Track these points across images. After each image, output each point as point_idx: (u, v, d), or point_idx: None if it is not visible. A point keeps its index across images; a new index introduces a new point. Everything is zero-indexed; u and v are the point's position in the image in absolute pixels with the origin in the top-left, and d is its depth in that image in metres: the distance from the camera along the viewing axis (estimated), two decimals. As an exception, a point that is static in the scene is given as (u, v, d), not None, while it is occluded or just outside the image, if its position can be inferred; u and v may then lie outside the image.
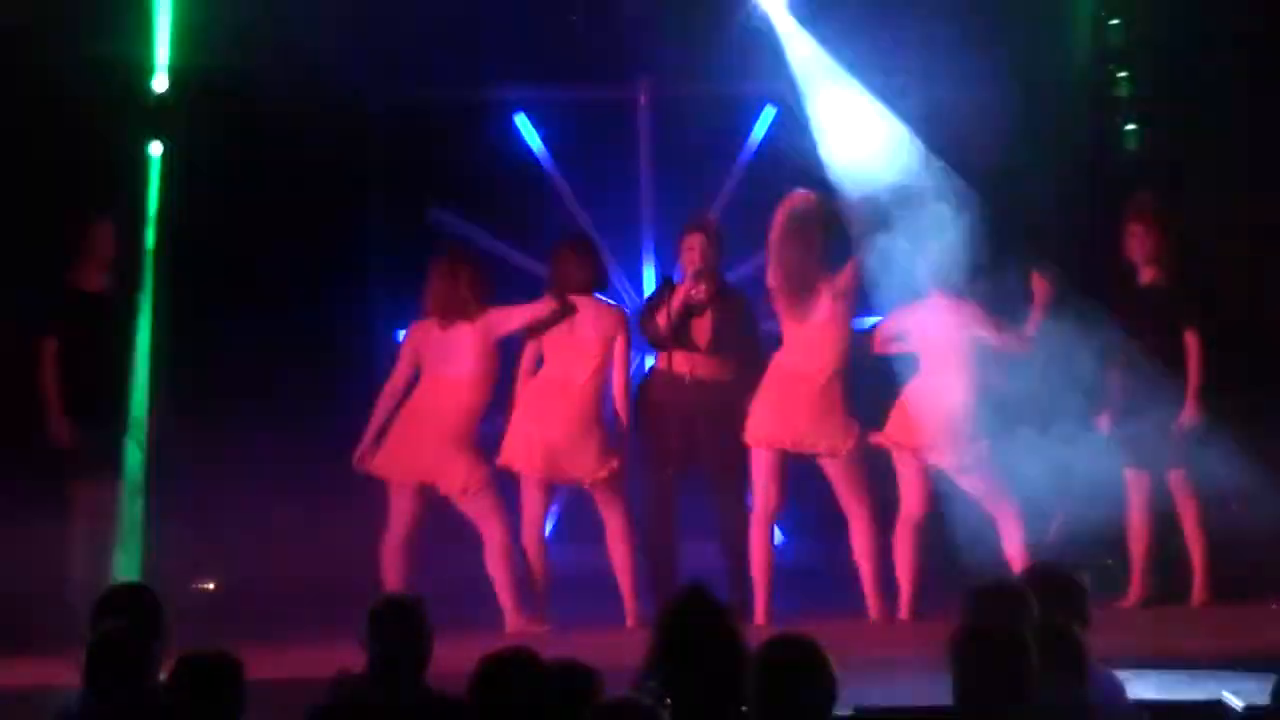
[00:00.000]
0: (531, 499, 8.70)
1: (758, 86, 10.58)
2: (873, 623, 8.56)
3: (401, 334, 9.15)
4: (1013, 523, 8.58)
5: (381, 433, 8.73)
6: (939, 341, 8.62)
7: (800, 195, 8.65)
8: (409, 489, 8.68)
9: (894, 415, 8.70)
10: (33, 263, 8.82)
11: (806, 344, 8.64)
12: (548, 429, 8.61)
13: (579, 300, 8.70)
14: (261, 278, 9.79)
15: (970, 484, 8.64)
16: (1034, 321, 8.59)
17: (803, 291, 8.64)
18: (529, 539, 8.67)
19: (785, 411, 8.59)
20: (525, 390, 8.70)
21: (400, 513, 8.69)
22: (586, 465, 8.61)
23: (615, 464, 8.63)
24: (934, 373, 8.64)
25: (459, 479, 8.60)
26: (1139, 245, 8.78)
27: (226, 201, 9.59)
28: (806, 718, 4.41)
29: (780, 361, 8.68)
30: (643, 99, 10.63)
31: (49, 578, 8.35)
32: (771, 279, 8.69)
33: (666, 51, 10.23)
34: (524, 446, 8.64)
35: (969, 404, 8.55)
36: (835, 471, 8.63)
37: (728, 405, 8.68)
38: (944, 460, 8.60)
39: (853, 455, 8.61)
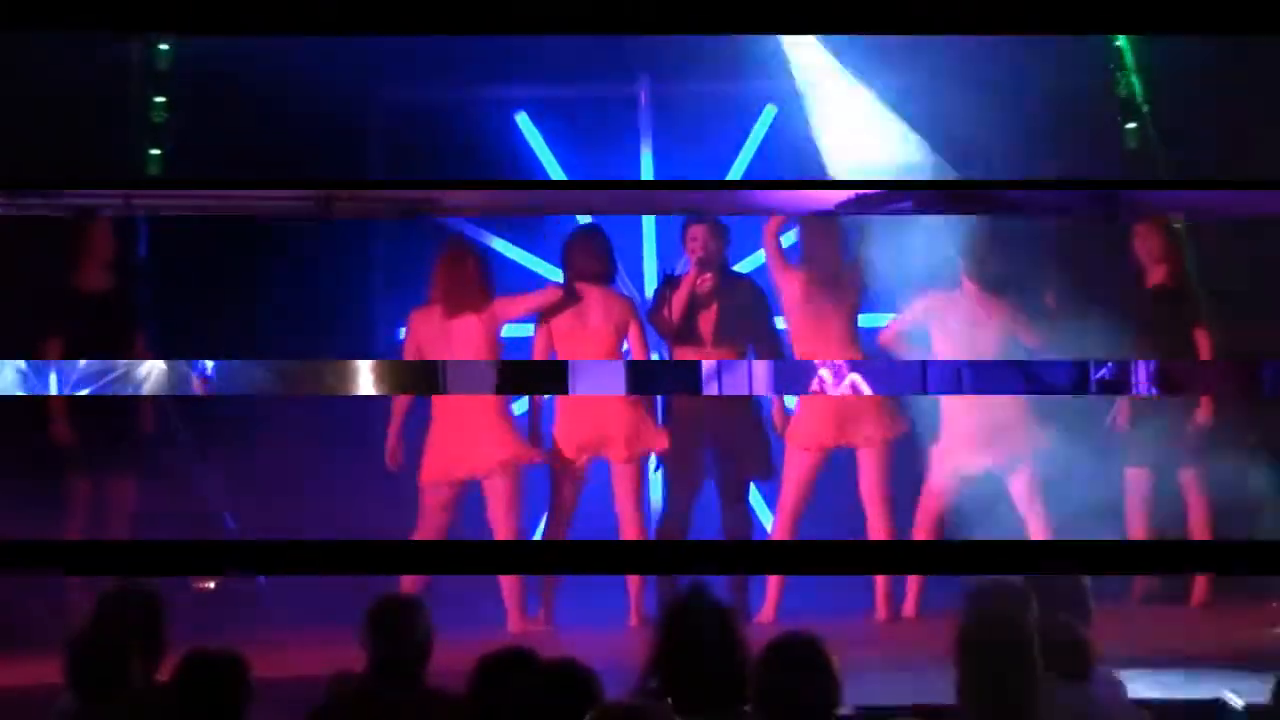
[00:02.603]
0: (564, 496, 8.68)
1: (758, 86, 10.58)
2: (877, 621, 8.56)
3: (402, 332, 9.14)
4: (1039, 533, 8.50)
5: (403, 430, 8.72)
6: (973, 339, 8.54)
7: None
8: (446, 491, 8.64)
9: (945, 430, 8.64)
10: (33, 264, 8.81)
11: (826, 339, 8.62)
12: (592, 413, 8.58)
13: (588, 291, 8.69)
14: (260, 277, 9.78)
15: (1013, 484, 8.60)
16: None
17: (826, 286, 8.63)
18: (555, 536, 8.64)
19: (831, 410, 8.58)
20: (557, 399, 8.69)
21: (433, 513, 8.65)
22: (626, 439, 8.58)
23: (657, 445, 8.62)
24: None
25: (494, 454, 8.54)
26: (1145, 245, 8.77)
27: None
28: (810, 717, 4.41)
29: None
30: (643, 99, 10.62)
31: (48, 578, 8.34)
32: (786, 277, 8.67)
33: (667, 51, 10.22)
34: (575, 433, 8.61)
35: (1014, 404, 8.49)
36: (869, 460, 8.61)
37: (742, 397, 8.67)
38: (988, 462, 8.56)
39: (891, 446, 8.60)
